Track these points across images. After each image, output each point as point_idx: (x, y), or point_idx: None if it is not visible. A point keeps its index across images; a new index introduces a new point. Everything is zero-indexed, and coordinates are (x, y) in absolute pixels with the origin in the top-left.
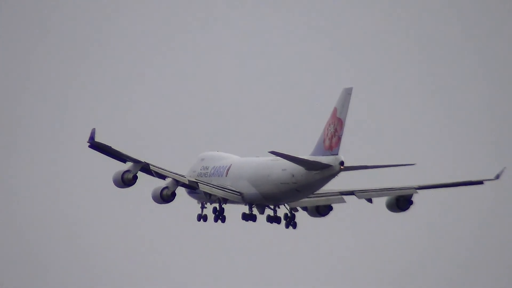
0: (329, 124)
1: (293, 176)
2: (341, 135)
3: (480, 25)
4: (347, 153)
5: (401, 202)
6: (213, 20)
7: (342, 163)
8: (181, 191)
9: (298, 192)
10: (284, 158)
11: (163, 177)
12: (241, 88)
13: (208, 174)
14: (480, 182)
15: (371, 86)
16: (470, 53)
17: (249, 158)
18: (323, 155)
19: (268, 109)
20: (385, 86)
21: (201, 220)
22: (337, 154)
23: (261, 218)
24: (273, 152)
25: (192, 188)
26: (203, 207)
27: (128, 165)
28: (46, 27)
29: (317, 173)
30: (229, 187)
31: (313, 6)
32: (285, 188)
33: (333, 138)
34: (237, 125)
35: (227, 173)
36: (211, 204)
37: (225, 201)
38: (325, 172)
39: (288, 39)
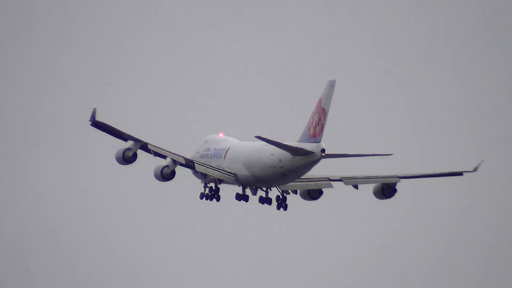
0: (314, 113)
1: (280, 160)
2: (324, 124)
3: (458, 18)
4: (330, 141)
5: (386, 190)
6: (206, 16)
7: (323, 150)
8: (188, 172)
9: (284, 176)
10: (270, 143)
11: (164, 156)
12: (241, 79)
13: (210, 155)
14: (460, 174)
15: (355, 78)
16: (449, 46)
17: (245, 142)
18: (307, 142)
19: (264, 98)
20: (368, 79)
21: (204, 198)
22: (319, 142)
23: (254, 199)
24: (259, 137)
25: (189, 167)
26: (205, 186)
27: (129, 143)
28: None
29: (301, 158)
30: (226, 168)
31: (303, 4)
32: (273, 171)
33: (317, 126)
34: (237, 112)
35: (225, 156)
36: (208, 184)
37: (220, 181)
38: (308, 158)
39: (282, 37)
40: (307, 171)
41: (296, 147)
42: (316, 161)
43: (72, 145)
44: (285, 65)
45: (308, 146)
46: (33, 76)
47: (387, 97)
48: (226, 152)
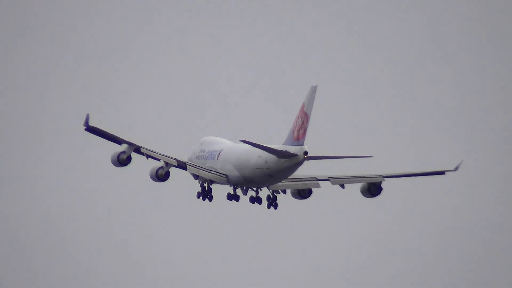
0: (298, 117)
1: (266, 162)
2: (307, 128)
3: (437, 21)
4: (314, 144)
5: (372, 188)
6: (198, 20)
7: (306, 152)
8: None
9: (271, 176)
10: (255, 147)
11: (157, 159)
12: (231, 83)
13: (204, 156)
14: (442, 173)
15: (338, 84)
16: (429, 45)
17: (237, 145)
18: (291, 145)
19: (256, 102)
20: (350, 84)
21: (200, 197)
22: (302, 145)
23: (244, 199)
24: (243, 141)
25: (182, 168)
26: (209, 186)
27: (123, 147)
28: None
29: (285, 160)
30: (218, 169)
31: (293, 10)
32: (260, 172)
33: (300, 130)
34: (229, 116)
35: (218, 157)
36: (201, 184)
37: (211, 182)
38: (292, 160)
39: (273, 42)
40: (293, 172)
41: (280, 150)
42: (299, 163)
43: (69, 147)
44: (274, 70)
45: (292, 149)
46: (27, 78)
47: (369, 101)
48: (219, 154)
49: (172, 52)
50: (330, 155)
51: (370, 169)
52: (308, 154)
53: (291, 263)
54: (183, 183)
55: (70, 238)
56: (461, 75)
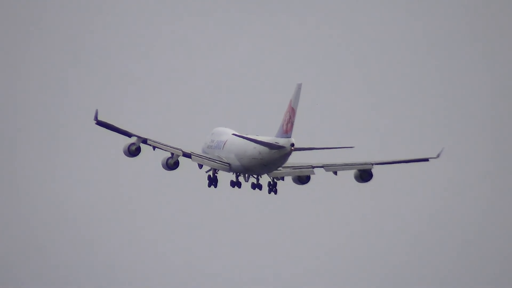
0: (287, 112)
1: (260, 153)
2: (293, 122)
3: (416, 14)
4: (306, 136)
5: (363, 175)
6: (197, 14)
7: (292, 144)
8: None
9: (265, 166)
10: (246, 139)
11: (165, 149)
12: (235, 81)
13: (213, 146)
14: (426, 160)
15: (324, 81)
16: (410, 36)
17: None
18: (281, 137)
19: (256, 97)
20: (336, 79)
21: (212, 185)
22: (290, 137)
23: (246, 185)
24: (235, 135)
25: (188, 157)
26: (215, 174)
27: (133, 139)
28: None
29: (275, 152)
30: (223, 158)
31: (286, 11)
32: (255, 162)
33: (288, 124)
34: (234, 110)
35: (223, 147)
36: (207, 172)
37: (216, 170)
38: (281, 151)
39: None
40: (284, 162)
41: (268, 142)
42: (288, 154)
43: (79, 142)
44: (275, 66)
45: (281, 141)
46: (32, 76)
47: (355, 96)
48: (224, 144)
49: (174, 50)
50: (316, 146)
51: (359, 157)
52: (295, 146)
53: (290, 245)
54: (193, 172)
55: (87, 226)
56: (442, 65)
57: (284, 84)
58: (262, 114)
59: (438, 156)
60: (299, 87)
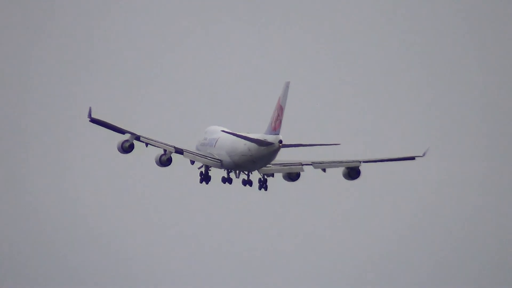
0: (275, 110)
1: (249, 150)
2: (282, 119)
3: (401, 11)
4: (291, 134)
5: (351, 172)
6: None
7: (280, 141)
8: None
9: (254, 162)
10: (235, 136)
11: (158, 146)
12: (227, 80)
13: (206, 144)
14: (412, 158)
15: (312, 80)
16: (396, 34)
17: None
18: (270, 134)
19: (244, 98)
20: (324, 78)
21: (204, 181)
22: (278, 134)
23: (237, 181)
24: (224, 131)
25: (180, 154)
26: (206, 170)
27: (127, 136)
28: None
29: (264, 148)
30: (215, 155)
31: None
32: (245, 158)
33: (276, 121)
34: (226, 108)
35: (215, 144)
36: (199, 168)
37: (208, 167)
38: (270, 148)
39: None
40: (273, 159)
41: (257, 139)
42: (276, 150)
43: (72, 139)
44: (265, 66)
45: (269, 138)
46: (26, 73)
47: (337, 95)
48: (216, 141)
49: (170, 49)
50: (304, 143)
51: (347, 155)
52: (283, 143)
53: (280, 239)
54: (185, 168)
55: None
56: (428, 63)
57: (275, 83)
58: (255, 112)
59: (424, 155)
60: (287, 85)
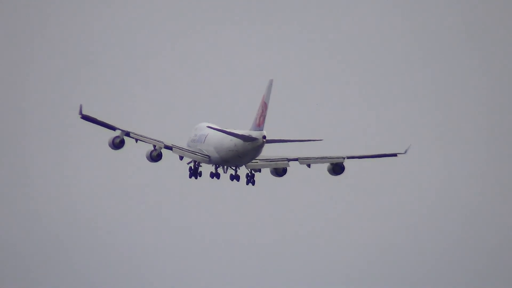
0: (260, 106)
1: (235, 145)
2: (265, 115)
3: (386, 10)
4: (276, 129)
5: (336, 168)
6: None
7: (264, 137)
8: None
9: (240, 157)
10: (221, 132)
11: (147, 143)
12: (217, 78)
13: (196, 140)
14: (394, 155)
15: (295, 77)
16: (380, 32)
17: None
18: (254, 130)
19: (231, 94)
20: (307, 77)
21: (193, 176)
22: (262, 130)
23: (225, 176)
24: (210, 127)
25: (170, 149)
26: (196, 165)
27: (117, 132)
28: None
29: (249, 144)
30: (204, 151)
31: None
32: (232, 154)
33: (261, 117)
34: (214, 106)
35: (204, 141)
36: (188, 163)
37: (198, 163)
38: (254, 143)
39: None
40: (258, 154)
41: (242, 135)
42: (261, 146)
43: (64, 136)
44: (251, 64)
45: (254, 134)
46: (19, 73)
47: (324, 91)
48: (205, 137)
49: (164, 49)
50: (288, 138)
51: (331, 151)
52: (267, 138)
53: (266, 231)
54: (175, 164)
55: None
56: (414, 60)
57: (263, 80)
58: (243, 109)
59: (405, 152)
60: (270, 83)
